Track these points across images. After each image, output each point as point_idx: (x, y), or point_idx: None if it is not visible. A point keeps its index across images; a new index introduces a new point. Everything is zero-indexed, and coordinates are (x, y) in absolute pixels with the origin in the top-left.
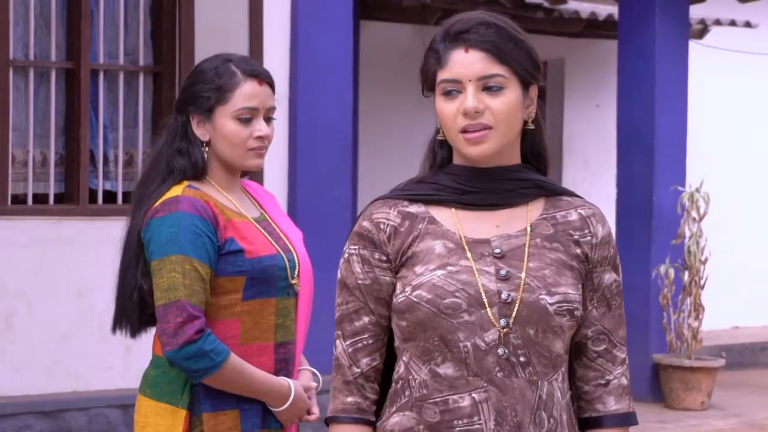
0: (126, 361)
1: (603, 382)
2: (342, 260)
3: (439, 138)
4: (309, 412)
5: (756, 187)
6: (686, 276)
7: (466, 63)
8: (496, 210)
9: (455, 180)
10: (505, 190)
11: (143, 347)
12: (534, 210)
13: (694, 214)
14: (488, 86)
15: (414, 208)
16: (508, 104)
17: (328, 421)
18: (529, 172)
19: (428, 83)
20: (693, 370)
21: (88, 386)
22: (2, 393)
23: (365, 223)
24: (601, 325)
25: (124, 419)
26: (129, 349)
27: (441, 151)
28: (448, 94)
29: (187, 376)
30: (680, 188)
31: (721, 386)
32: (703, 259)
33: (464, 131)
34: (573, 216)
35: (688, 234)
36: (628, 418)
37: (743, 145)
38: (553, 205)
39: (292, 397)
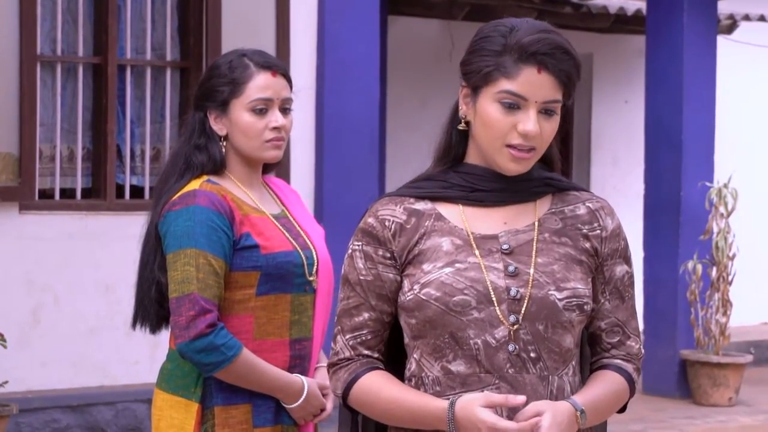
0: (152, 355)
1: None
2: (346, 256)
3: (460, 128)
4: (322, 409)
5: None
6: (714, 272)
7: (537, 84)
8: (504, 206)
9: (465, 179)
10: (514, 190)
11: (147, 333)
12: (542, 205)
13: (722, 209)
14: (547, 110)
15: (420, 205)
16: (555, 128)
17: (346, 394)
18: (538, 170)
19: (478, 80)
20: (721, 366)
21: (114, 381)
22: (29, 387)
23: (370, 220)
24: (615, 317)
25: (150, 414)
26: (155, 343)
27: (458, 145)
28: (507, 105)
29: (198, 370)
30: (708, 184)
31: (748, 382)
32: (731, 255)
33: (511, 147)
34: (581, 210)
35: (715, 230)
36: (631, 378)
37: None
38: (561, 200)
39: (305, 394)
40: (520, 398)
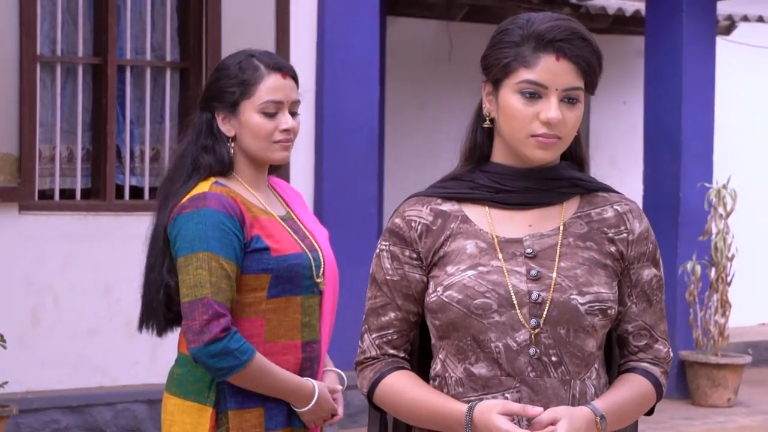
0: (152, 356)
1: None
2: (374, 255)
3: (485, 126)
4: (333, 414)
5: None
6: (713, 273)
7: (556, 72)
8: (530, 209)
9: (491, 179)
10: (541, 190)
11: (169, 342)
12: (568, 208)
13: (720, 210)
14: (569, 98)
15: (447, 206)
16: (579, 117)
17: (371, 393)
18: (567, 170)
19: (498, 73)
20: (719, 366)
21: (114, 381)
22: (29, 388)
23: (397, 220)
24: (642, 321)
25: (150, 414)
26: (155, 344)
27: (483, 144)
28: (527, 95)
29: (211, 374)
30: (707, 185)
31: (747, 383)
32: (729, 255)
33: (536, 136)
34: (608, 213)
35: (714, 230)
36: (658, 382)
37: None
38: (588, 202)
39: (315, 398)
40: (538, 410)
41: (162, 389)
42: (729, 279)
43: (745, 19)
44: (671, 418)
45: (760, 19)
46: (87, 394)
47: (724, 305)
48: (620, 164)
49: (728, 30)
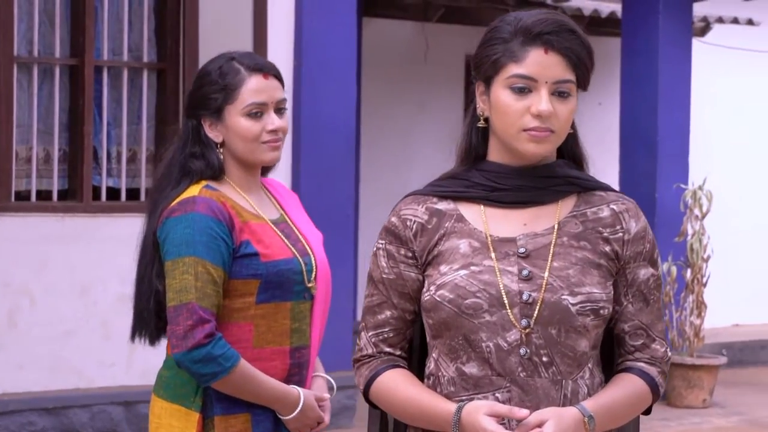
0: (129, 358)
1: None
2: (372, 254)
3: (480, 126)
4: (319, 422)
5: (758, 184)
6: (689, 274)
7: (545, 64)
8: (525, 207)
9: (486, 177)
10: (536, 188)
11: (146, 345)
12: (564, 207)
13: (696, 211)
14: (560, 91)
15: (443, 205)
16: (571, 111)
17: (367, 391)
18: (564, 168)
19: (488, 70)
20: (695, 367)
21: (90, 383)
22: (5, 390)
23: (393, 219)
24: (639, 320)
25: (126, 416)
26: (132, 346)
27: (479, 145)
28: (517, 89)
29: (195, 380)
30: (683, 186)
31: (722, 384)
32: (705, 256)
33: (528, 130)
34: (605, 212)
35: (690, 232)
36: (654, 382)
37: (745, 143)
38: (584, 201)
39: (300, 407)
40: (524, 412)
41: (138, 391)
42: (705, 280)
43: (720, 20)
44: (647, 419)
45: (735, 21)
46: (63, 396)
47: (700, 306)
48: (596, 165)
49: (703, 31)
